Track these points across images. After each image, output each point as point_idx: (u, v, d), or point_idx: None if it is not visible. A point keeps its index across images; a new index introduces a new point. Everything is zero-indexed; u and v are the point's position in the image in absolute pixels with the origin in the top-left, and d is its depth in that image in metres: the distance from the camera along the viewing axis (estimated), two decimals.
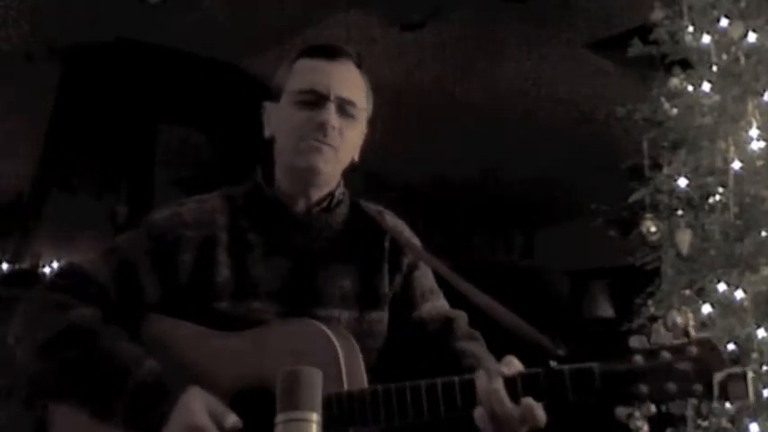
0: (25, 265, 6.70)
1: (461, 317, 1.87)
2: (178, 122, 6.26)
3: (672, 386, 1.46)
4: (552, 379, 1.50)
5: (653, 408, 1.54)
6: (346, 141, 1.80)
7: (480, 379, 1.53)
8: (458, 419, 1.57)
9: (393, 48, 5.75)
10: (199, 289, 1.73)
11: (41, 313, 1.71)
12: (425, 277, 1.89)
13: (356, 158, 1.88)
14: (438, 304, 1.88)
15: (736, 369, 1.46)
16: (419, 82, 6.08)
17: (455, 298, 1.79)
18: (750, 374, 1.45)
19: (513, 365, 1.56)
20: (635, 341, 1.51)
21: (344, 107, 1.79)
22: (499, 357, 1.60)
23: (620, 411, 3.40)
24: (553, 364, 1.51)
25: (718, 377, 1.45)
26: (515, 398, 1.51)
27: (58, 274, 1.78)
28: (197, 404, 1.60)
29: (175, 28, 5.52)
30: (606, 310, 7.11)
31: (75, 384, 1.66)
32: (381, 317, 1.82)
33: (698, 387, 1.46)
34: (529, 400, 1.50)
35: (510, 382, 1.52)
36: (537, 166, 6.59)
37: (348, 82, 1.83)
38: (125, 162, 6.15)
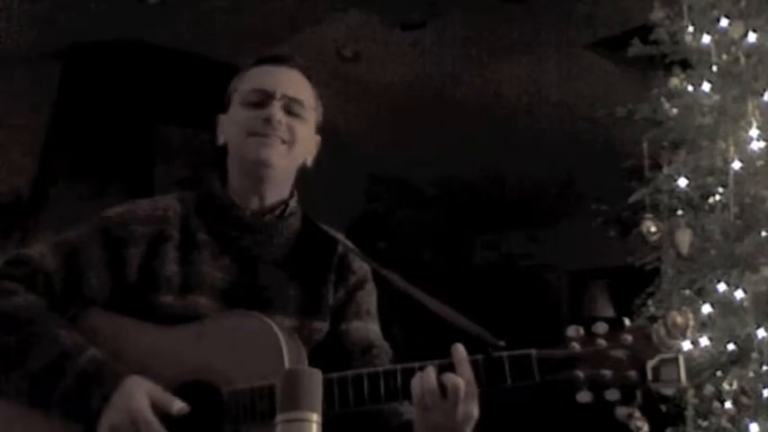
0: None
1: (384, 350, 1.87)
2: (178, 122, 6.25)
3: (607, 372, 1.51)
4: (491, 364, 1.56)
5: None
6: (297, 138, 1.83)
7: (415, 378, 1.58)
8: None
9: (393, 48, 5.74)
10: (145, 282, 1.75)
11: None
12: (368, 298, 1.91)
13: (309, 162, 1.90)
14: (368, 327, 1.89)
15: (669, 354, 1.50)
16: (419, 82, 6.07)
17: (406, 301, 1.79)
18: (681, 359, 1.50)
19: (459, 352, 1.59)
20: (571, 330, 1.56)
21: (291, 105, 1.84)
22: (447, 350, 1.62)
23: (620, 411, 3.40)
24: (492, 351, 1.56)
25: (651, 363, 1.49)
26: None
27: (7, 262, 1.79)
28: (138, 390, 1.62)
29: (175, 28, 5.52)
30: (606, 310, 7.10)
31: (14, 370, 1.67)
32: (323, 327, 1.83)
33: (632, 373, 1.51)
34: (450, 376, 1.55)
35: (450, 369, 1.57)
36: (537, 166, 6.58)
37: (294, 83, 1.87)
38: (125, 162, 6.15)
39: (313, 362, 1.69)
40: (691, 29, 3.67)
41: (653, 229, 3.56)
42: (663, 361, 1.49)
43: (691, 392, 3.30)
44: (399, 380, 1.59)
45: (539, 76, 5.95)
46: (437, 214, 7.10)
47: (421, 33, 5.53)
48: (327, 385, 1.57)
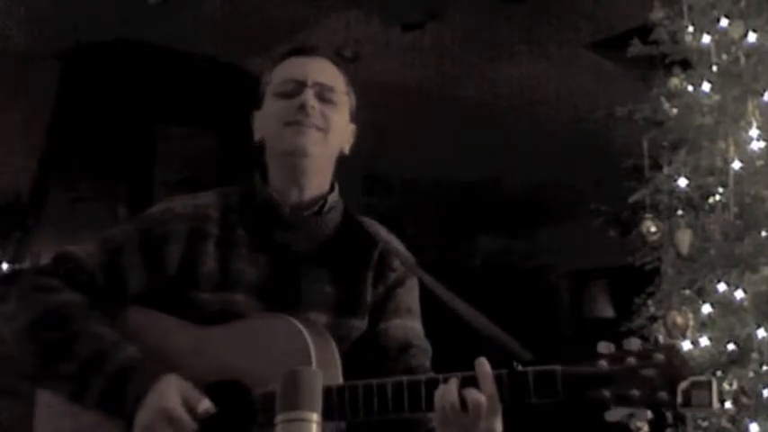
0: (25, 265, 6.70)
1: (422, 349, 1.84)
2: (178, 122, 6.26)
3: (635, 392, 1.46)
4: (515, 380, 1.51)
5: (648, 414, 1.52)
6: (331, 125, 1.82)
7: (438, 391, 1.54)
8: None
9: (393, 48, 5.75)
10: (184, 279, 1.76)
11: (30, 294, 1.75)
12: (408, 296, 1.88)
13: (346, 150, 1.89)
14: (409, 325, 1.86)
15: (701, 377, 1.43)
16: (419, 82, 6.08)
17: (439, 308, 1.75)
18: (714, 383, 1.42)
19: (483, 366, 1.55)
20: (602, 346, 1.50)
21: (323, 92, 1.83)
22: (473, 360, 1.58)
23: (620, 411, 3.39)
24: (518, 366, 1.51)
25: (682, 385, 1.43)
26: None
27: (52, 259, 1.81)
28: (171, 389, 1.63)
29: (175, 28, 5.52)
30: (606, 310, 7.11)
31: (55, 365, 1.69)
32: (360, 325, 1.82)
33: (662, 394, 1.45)
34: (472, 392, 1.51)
35: (474, 383, 1.52)
36: (537, 166, 6.59)
37: (325, 71, 1.87)
38: (125, 162, 6.15)
39: (349, 360, 1.69)
40: (691, 29, 3.68)
41: (653, 229, 3.57)
42: (694, 384, 1.42)
43: None
44: (423, 391, 1.56)
45: (539, 77, 5.95)
46: (437, 214, 7.10)
47: (421, 33, 5.54)
48: (352, 393, 1.58)
